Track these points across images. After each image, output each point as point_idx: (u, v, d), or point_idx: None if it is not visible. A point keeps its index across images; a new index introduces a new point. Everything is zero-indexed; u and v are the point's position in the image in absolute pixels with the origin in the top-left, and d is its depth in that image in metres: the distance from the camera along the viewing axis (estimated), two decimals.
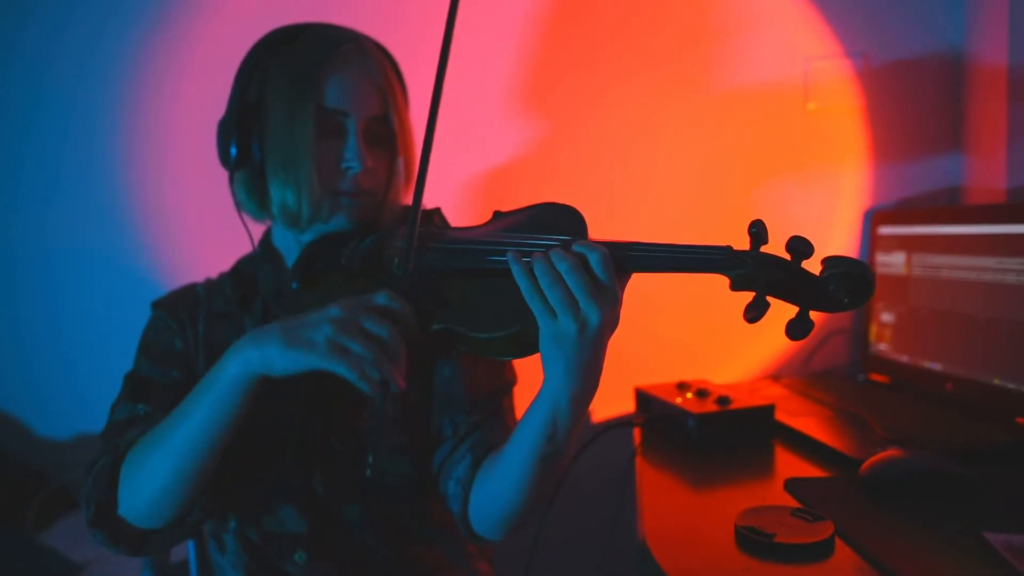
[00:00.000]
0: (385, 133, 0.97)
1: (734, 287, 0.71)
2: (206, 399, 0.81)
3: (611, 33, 1.58)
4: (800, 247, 0.68)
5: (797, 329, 0.70)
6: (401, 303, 0.78)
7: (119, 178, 1.64)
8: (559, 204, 0.84)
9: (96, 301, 1.67)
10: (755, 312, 0.69)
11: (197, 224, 1.63)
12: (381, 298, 0.78)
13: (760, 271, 0.69)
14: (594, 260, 0.70)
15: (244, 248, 1.08)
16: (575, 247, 0.71)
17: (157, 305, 1.03)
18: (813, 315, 0.70)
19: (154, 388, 0.96)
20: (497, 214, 0.91)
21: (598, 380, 0.76)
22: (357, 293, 0.85)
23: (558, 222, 0.81)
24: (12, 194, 1.67)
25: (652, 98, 1.59)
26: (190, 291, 1.05)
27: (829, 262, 0.67)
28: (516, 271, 0.72)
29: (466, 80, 1.56)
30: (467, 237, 0.85)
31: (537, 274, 0.70)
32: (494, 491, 0.88)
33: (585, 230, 0.78)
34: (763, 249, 0.71)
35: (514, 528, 0.90)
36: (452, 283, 0.83)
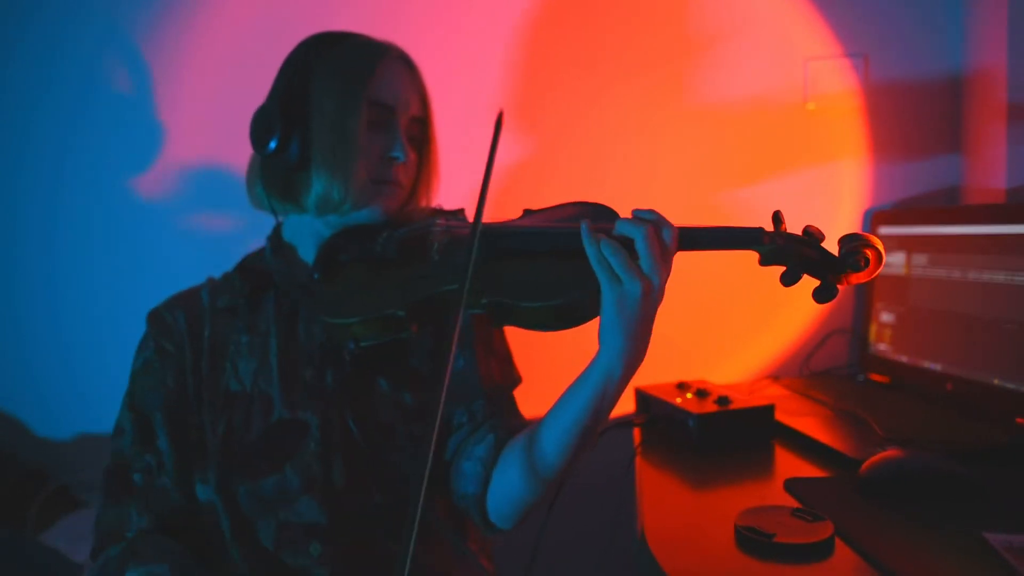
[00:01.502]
0: (419, 134, 1.03)
1: (763, 262, 0.82)
2: None
3: (610, 33, 1.58)
4: (815, 232, 0.82)
5: (824, 294, 0.80)
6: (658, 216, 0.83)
7: (119, 178, 1.65)
8: (590, 202, 0.93)
9: (96, 301, 1.67)
10: (790, 277, 0.81)
11: (197, 224, 1.63)
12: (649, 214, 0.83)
13: (789, 247, 0.80)
14: (667, 232, 0.79)
15: (246, 248, 1.08)
16: (646, 215, 0.80)
17: (152, 319, 1.01)
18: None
19: (155, 428, 0.96)
20: (527, 212, 0.98)
21: (646, 350, 0.81)
22: (389, 280, 0.91)
23: (596, 213, 0.90)
24: (13, 194, 1.68)
25: (651, 98, 1.59)
26: (191, 295, 1.03)
27: (847, 238, 0.80)
28: (587, 240, 0.78)
29: (465, 80, 1.56)
30: (519, 223, 0.93)
31: (604, 245, 0.77)
32: (526, 467, 0.90)
33: (616, 215, 0.87)
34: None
35: (526, 513, 0.93)
36: (501, 264, 0.88)
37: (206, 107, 1.60)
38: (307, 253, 1.02)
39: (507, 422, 0.99)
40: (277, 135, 0.95)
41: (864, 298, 1.57)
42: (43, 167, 1.66)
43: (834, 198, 1.59)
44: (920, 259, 1.41)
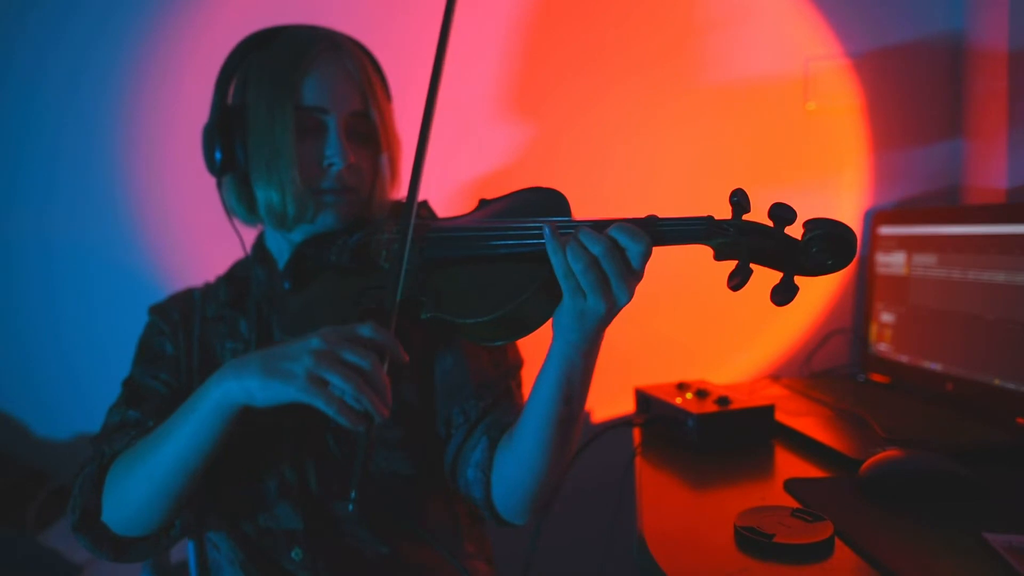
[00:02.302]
0: (367, 130, 0.97)
1: (718, 256, 0.71)
2: (188, 424, 0.81)
3: (609, 32, 1.58)
4: (783, 213, 0.68)
5: (782, 293, 0.69)
6: (384, 335, 0.77)
7: (119, 178, 1.65)
8: (542, 188, 0.86)
9: (96, 302, 1.67)
10: (738, 279, 0.68)
11: (197, 224, 1.63)
12: (366, 330, 0.76)
13: (742, 239, 0.69)
14: (636, 252, 0.70)
15: (249, 237, 1.08)
16: (613, 231, 0.71)
17: (153, 310, 1.05)
18: (799, 280, 0.70)
19: (146, 394, 0.97)
20: (483, 202, 0.92)
21: (601, 339, 0.78)
22: (350, 290, 0.86)
23: (546, 205, 0.82)
24: (11, 194, 1.68)
25: (650, 97, 1.59)
26: (186, 295, 1.06)
27: (810, 224, 0.67)
28: (552, 248, 0.72)
29: (461, 77, 1.56)
30: (461, 225, 0.85)
31: (571, 256, 0.70)
32: (515, 466, 0.88)
33: (568, 207, 0.81)
34: (745, 217, 0.71)
35: (538, 506, 0.91)
36: (442, 272, 0.83)
37: (205, 106, 1.60)
38: (284, 262, 1.01)
39: (501, 418, 0.96)
40: (218, 150, 0.93)
41: (864, 298, 1.57)
42: (42, 167, 1.66)
43: (834, 198, 1.59)
44: (920, 259, 1.41)
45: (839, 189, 1.59)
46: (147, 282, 1.63)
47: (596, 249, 0.70)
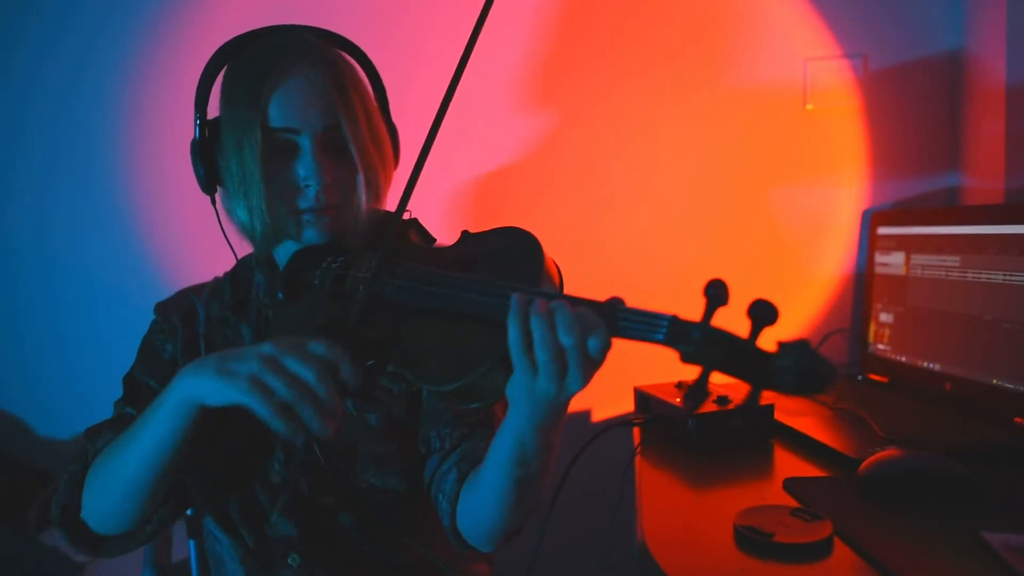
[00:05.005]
0: (341, 142, 0.91)
1: (684, 360, 0.62)
2: (153, 422, 0.80)
3: (610, 34, 1.58)
4: (762, 314, 0.60)
5: (746, 409, 0.65)
6: (337, 354, 0.74)
7: (119, 178, 1.65)
8: (520, 232, 0.80)
9: (96, 301, 1.67)
10: (692, 401, 0.61)
11: (197, 223, 1.62)
12: (318, 347, 0.74)
13: (707, 349, 0.61)
14: (595, 345, 0.64)
15: (246, 247, 1.08)
16: (583, 318, 0.65)
17: (157, 308, 1.05)
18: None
19: (144, 392, 0.97)
20: (464, 235, 0.88)
21: (564, 417, 0.74)
22: (336, 313, 0.85)
23: (519, 255, 0.78)
24: (12, 195, 1.68)
25: (651, 98, 1.59)
26: (187, 298, 1.05)
27: (785, 349, 0.58)
28: (513, 321, 0.66)
29: (463, 79, 1.56)
30: (433, 273, 0.80)
31: (537, 340, 0.65)
32: (476, 509, 0.86)
33: (540, 270, 0.75)
34: (720, 312, 0.63)
35: (503, 541, 0.89)
36: (410, 321, 0.79)
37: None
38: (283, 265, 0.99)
39: (474, 449, 0.93)
40: (201, 168, 0.92)
41: (863, 298, 1.57)
42: (42, 168, 1.66)
43: (833, 198, 1.59)
44: (919, 259, 1.41)
45: (838, 189, 1.59)
46: (147, 281, 1.63)
47: (566, 341, 0.64)
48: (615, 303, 0.66)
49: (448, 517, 0.91)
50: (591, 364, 0.65)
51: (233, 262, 1.08)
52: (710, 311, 0.63)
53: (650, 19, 1.58)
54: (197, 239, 1.63)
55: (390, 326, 0.80)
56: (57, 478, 1.00)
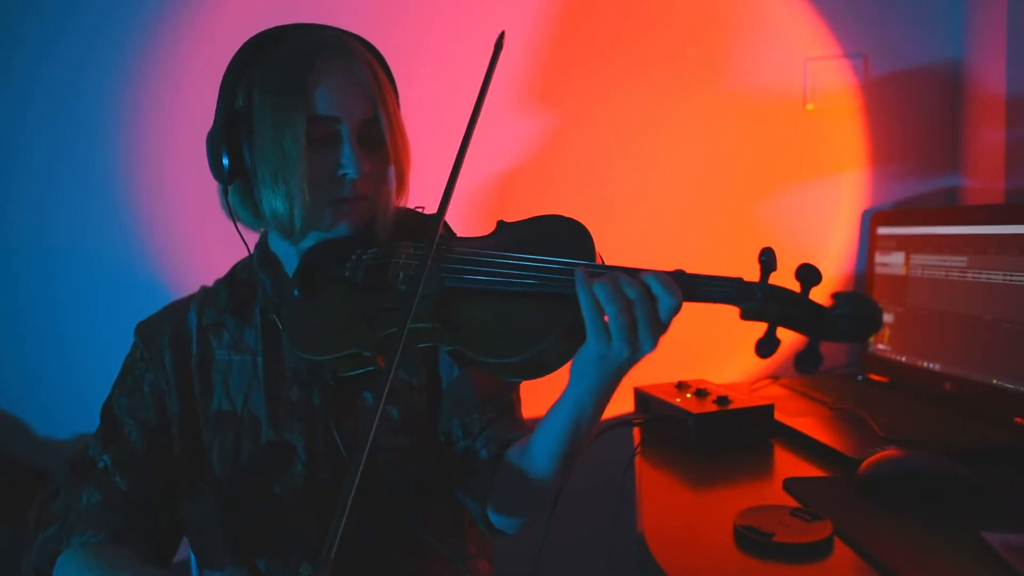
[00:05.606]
0: (378, 136, 0.94)
1: (744, 317, 0.71)
2: None
3: (610, 34, 1.58)
4: (809, 276, 0.69)
5: (805, 361, 0.70)
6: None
7: (119, 178, 1.65)
8: (565, 218, 0.85)
9: (96, 301, 1.67)
10: (766, 349, 0.69)
11: (197, 224, 1.63)
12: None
13: (770, 304, 0.69)
14: (668, 304, 0.71)
15: (242, 249, 1.08)
16: (648, 279, 0.72)
17: (139, 330, 1.01)
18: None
19: (119, 435, 0.96)
20: (501, 224, 0.90)
21: (617, 385, 0.79)
22: (363, 307, 0.86)
23: (570, 240, 0.82)
24: (12, 195, 1.68)
25: (651, 98, 1.59)
26: (175, 313, 1.02)
27: (840, 299, 0.68)
28: (582, 290, 0.72)
29: (464, 81, 1.56)
30: (483, 255, 0.83)
31: (605, 297, 0.71)
32: (514, 489, 0.89)
33: (592, 246, 0.80)
34: (773, 275, 0.71)
35: (529, 521, 0.93)
36: (461, 303, 0.81)
37: (206, 108, 1.60)
38: (290, 266, 0.98)
39: (501, 433, 0.95)
40: (225, 158, 0.90)
41: None
42: (42, 168, 1.66)
43: (833, 198, 1.59)
44: (919, 259, 1.41)
45: (838, 189, 1.59)
46: (147, 282, 1.63)
47: (632, 293, 0.71)
48: (681, 272, 0.74)
49: (477, 500, 0.93)
50: (659, 324, 0.72)
51: (235, 260, 1.08)
52: (766, 274, 0.71)
53: (650, 19, 1.58)
54: (197, 239, 1.63)
55: (441, 310, 0.81)
56: (54, 477, 0.99)
